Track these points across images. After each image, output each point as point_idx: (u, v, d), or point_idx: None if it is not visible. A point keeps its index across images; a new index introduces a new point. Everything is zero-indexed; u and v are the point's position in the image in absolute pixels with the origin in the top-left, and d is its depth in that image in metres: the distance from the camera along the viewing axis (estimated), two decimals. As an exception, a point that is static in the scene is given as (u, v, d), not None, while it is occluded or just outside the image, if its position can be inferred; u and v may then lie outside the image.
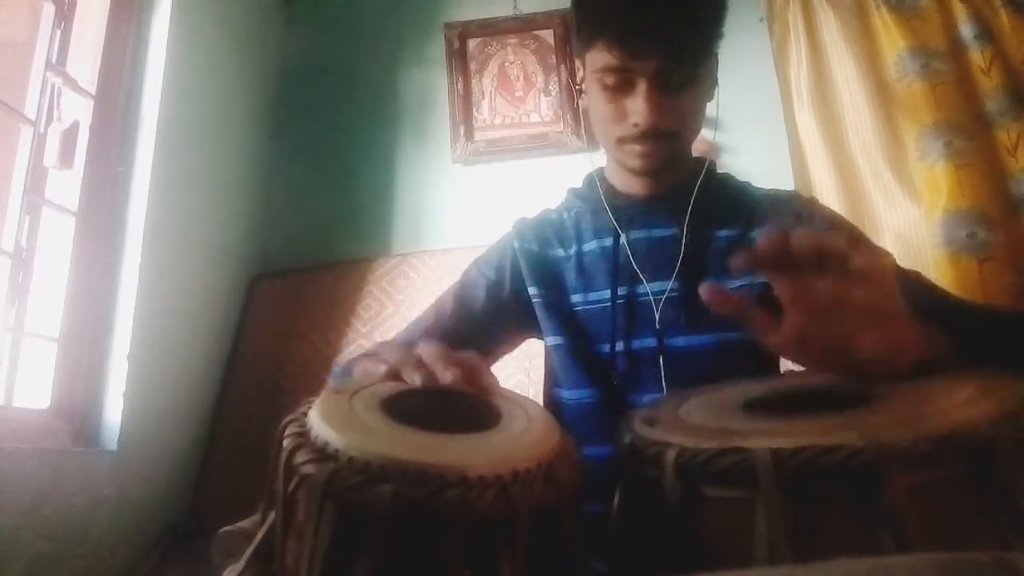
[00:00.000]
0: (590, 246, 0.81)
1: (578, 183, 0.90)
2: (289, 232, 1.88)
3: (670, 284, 0.75)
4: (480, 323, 0.81)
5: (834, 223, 0.77)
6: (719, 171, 0.86)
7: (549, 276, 0.81)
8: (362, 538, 0.34)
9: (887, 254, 0.75)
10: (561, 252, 0.83)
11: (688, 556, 0.39)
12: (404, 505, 0.33)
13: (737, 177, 0.87)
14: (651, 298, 0.75)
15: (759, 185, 0.86)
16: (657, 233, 0.78)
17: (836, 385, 0.47)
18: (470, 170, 1.89)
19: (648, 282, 0.76)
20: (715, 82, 0.80)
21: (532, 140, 1.87)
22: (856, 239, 0.75)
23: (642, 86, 0.69)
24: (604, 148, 0.82)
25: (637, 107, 0.70)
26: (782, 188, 0.86)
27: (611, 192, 0.83)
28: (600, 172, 0.88)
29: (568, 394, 0.76)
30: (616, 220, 0.80)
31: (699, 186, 0.79)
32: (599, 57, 0.71)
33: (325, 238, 1.86)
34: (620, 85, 0.71)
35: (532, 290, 0.81)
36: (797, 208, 0.78)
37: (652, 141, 0.73)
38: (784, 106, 1.81)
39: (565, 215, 0.87)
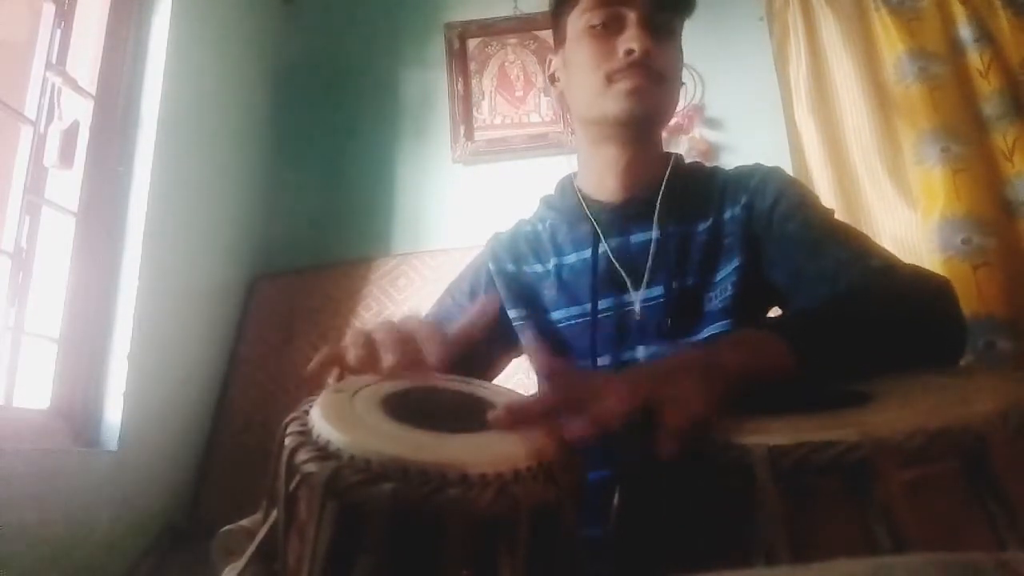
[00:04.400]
0: (569, 259, 0.79)
1: None
2: (289, 232, 1.88)
3: (655, 290, 0.74)
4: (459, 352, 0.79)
5: (781, 191, 0.73)
6: (688, 162, 0.84)
7: (528, 295, 0.80)
8: (363, 536, 0.34)
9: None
10: (539, 268, 0.81)
11: (687, 554, 0.39)
12: (405, 503, 0.33)
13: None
14: (638, 306, 0.74)
15: None
16: (635, 238, 0.77)
17: (833, 384, 0.47)
18: (470, 170, 1.89)
19: (632, 289, 0.74)
20: (683, 82, 0.82)
21: (532, 140, 1.87)
22: (797, 207, 0.72)
23: (632, 18, 0.73)
24: (585, 110, 0.78)
25: (630, 36, 0.72)
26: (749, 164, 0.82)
27: (585, 200, 0.81)
28: (571, 181, 0.85)
29: None
30: (593, 229, 0.78)
31: (669, 183, 0.78)
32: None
33: (325, 238, 1.86)
34: (608, 23, 0.74)
35: (513, 312, 0.80)
36: (754, 183, 0.76)
37: (643, 75, 0.72)
38: (784, 106, 1.81)
39: (540, 226, 0.85)
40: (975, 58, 1.67)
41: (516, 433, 0.42)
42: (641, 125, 0.76)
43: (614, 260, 0.76)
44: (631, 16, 0.73)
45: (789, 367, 0.46)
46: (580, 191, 0.83)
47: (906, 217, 1.63)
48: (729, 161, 1.76)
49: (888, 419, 0.35)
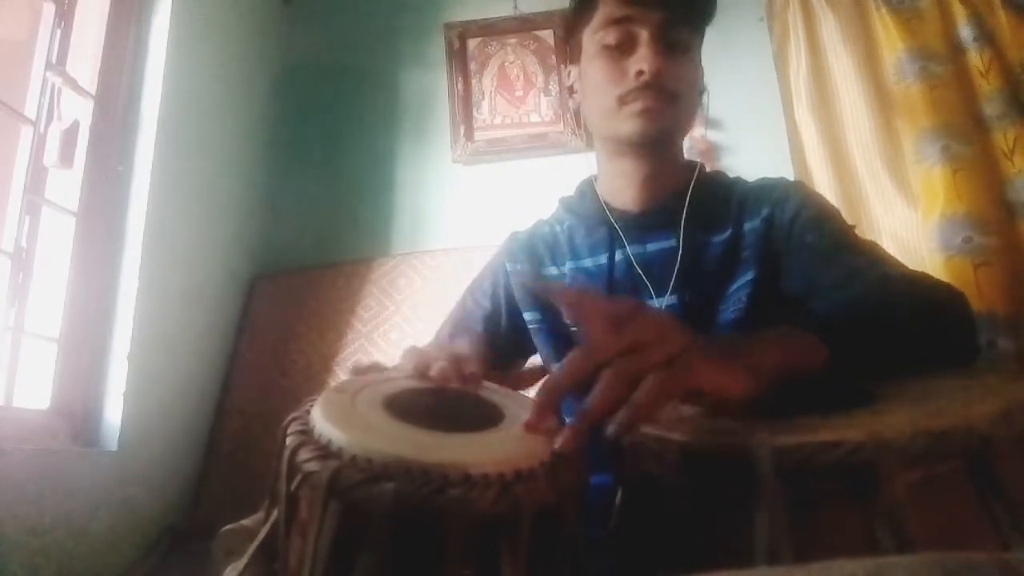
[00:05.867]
0: (585, 264, 0.80)
1: (573, 187, 0.88)
2: (289, 232, 1.88)
3: (668, 299, 0.74)
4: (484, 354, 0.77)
5: (802, 204, 0.74)
6: (709, 170, 0.84)
7: (544, 298, 0.79)
8: (365, 536, 0.34)
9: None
10: (555, 271, 0.82)
11: (688, 554, 0.39)
12: (406, 503, 0.33)
13: (729, 174, 0.86)
14: None
15: None
16: (652, 247, 0.77)
17: (836, 386, 0.47)
18: (470, 170, 1.89)
19: (646, 298, 0.75)
20: (705, 88, 0.81)
21: (532, 140, 1.87)
22: (817, 219, 0.73)
23: (645, 37, 0.72)
24: (598, 129, 0.79)
25: (641, 56, 0.71)
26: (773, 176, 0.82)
27: (604, 206, 0.81)
28: (592, 185, 0.85)
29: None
30: (610, 235, 0.78)
31: (691, 193, 0.77)
32: (601, 16, 0.74)
33: (325, 238, 1.86)
34: (622, 43, 0.73)
35: (528, 315, 0.80)
36: (775, 196, 0.76)
37: (654, 96, 0.71)
38: (784, 106, 1.81)
39: (558, 228, 0.85)
40: (975, 58, 1.67)
41: (518, 434, 0.42)
42: (655, 143, 0.75)
43: (630, 267, 0.76)
44: (643, 35, 0.72)
45: (820, 366, 0.46)
46: (600, 198, 0.83)
47: (906, 216, 1.63)
48: (729, 161, 1.77)
49: (892, 420, 0.35)
